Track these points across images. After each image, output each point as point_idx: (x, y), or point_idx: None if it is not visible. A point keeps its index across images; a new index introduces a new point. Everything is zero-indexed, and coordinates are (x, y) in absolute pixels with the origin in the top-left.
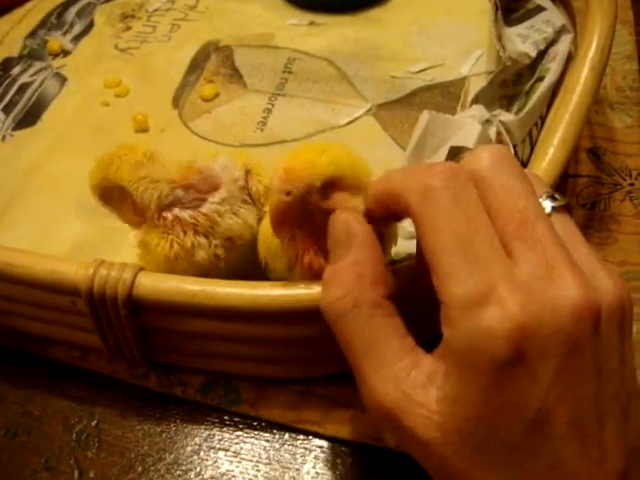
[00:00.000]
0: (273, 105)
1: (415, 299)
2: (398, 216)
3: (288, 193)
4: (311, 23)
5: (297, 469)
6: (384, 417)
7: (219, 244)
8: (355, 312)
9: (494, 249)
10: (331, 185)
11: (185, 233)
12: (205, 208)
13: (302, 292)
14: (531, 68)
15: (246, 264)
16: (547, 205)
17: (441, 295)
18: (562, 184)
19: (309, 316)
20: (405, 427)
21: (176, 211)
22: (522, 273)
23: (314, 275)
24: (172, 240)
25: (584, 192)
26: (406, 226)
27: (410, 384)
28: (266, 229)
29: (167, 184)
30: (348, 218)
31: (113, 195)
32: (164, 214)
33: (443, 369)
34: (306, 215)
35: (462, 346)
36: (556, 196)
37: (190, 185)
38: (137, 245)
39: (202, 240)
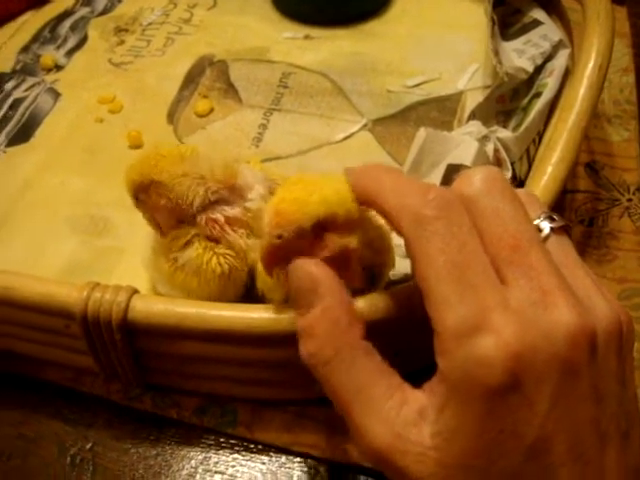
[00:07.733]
0: (268, 120)
1: (412, 322)
2: None
3: (279, 237)
4: (306, 37)
5: None
6: (379, 460)
7: None
8: (337, 360)
9: (487, 276)
10: (322, 225)
11: (235, 232)
12: (251, 204)
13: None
14: (528, 83)
15: None
16: (545, 226)
17: (435, 324)
18: (560, 200)
19: None
20: (400, 467)
21: (226, 209)
22: (516, 300)
23: None
24: (223, 254)
25: (582, 208)
26: (403, 244)
27: (401, 423)
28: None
29: (214, 183)
30: (309, 265)
31: (149, 192)
32: (213, 215)
33: (436, 402)
34: (298, 253)
35: (457, 375)
36: (554, 217)
37: (234, 186)
38: (168, 265)
39: (250, 240)
